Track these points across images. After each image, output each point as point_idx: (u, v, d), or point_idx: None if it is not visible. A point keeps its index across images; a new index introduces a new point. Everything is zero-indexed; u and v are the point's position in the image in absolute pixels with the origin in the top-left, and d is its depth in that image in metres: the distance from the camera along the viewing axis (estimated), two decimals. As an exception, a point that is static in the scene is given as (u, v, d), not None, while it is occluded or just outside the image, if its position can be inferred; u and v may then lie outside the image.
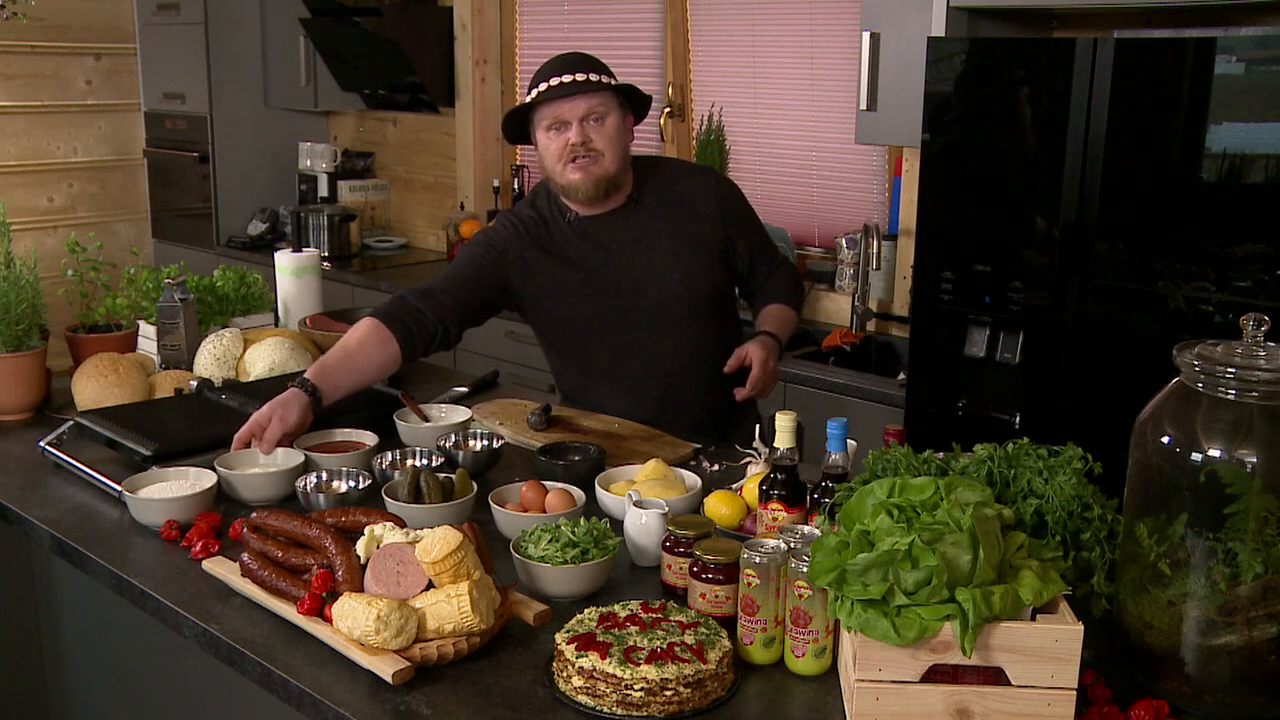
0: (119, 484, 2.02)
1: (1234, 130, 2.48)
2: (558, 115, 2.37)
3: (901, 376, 3.20)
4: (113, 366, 2.45)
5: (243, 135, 5.28)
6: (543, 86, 2.37)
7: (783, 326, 2.59)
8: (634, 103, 2.47)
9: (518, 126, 2.48)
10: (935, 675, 1.38)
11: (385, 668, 1.48)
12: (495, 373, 2.88)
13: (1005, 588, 1.37)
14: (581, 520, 1.78)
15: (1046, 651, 1.36)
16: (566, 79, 2.35)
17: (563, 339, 2.59)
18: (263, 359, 2.60)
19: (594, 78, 2.37)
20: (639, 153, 2.57)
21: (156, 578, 1.80)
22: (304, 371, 2.26)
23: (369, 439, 2.22)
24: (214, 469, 2.05)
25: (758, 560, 1.53)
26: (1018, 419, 2.88)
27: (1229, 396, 1.40)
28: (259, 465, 2.11)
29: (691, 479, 2.06)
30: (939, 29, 3.05)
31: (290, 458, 2.12)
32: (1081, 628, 1.37)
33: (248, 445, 2.13)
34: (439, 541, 1.56)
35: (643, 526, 1.82)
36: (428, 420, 2.36)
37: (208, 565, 1.78)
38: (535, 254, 2.49)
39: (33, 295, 2.50)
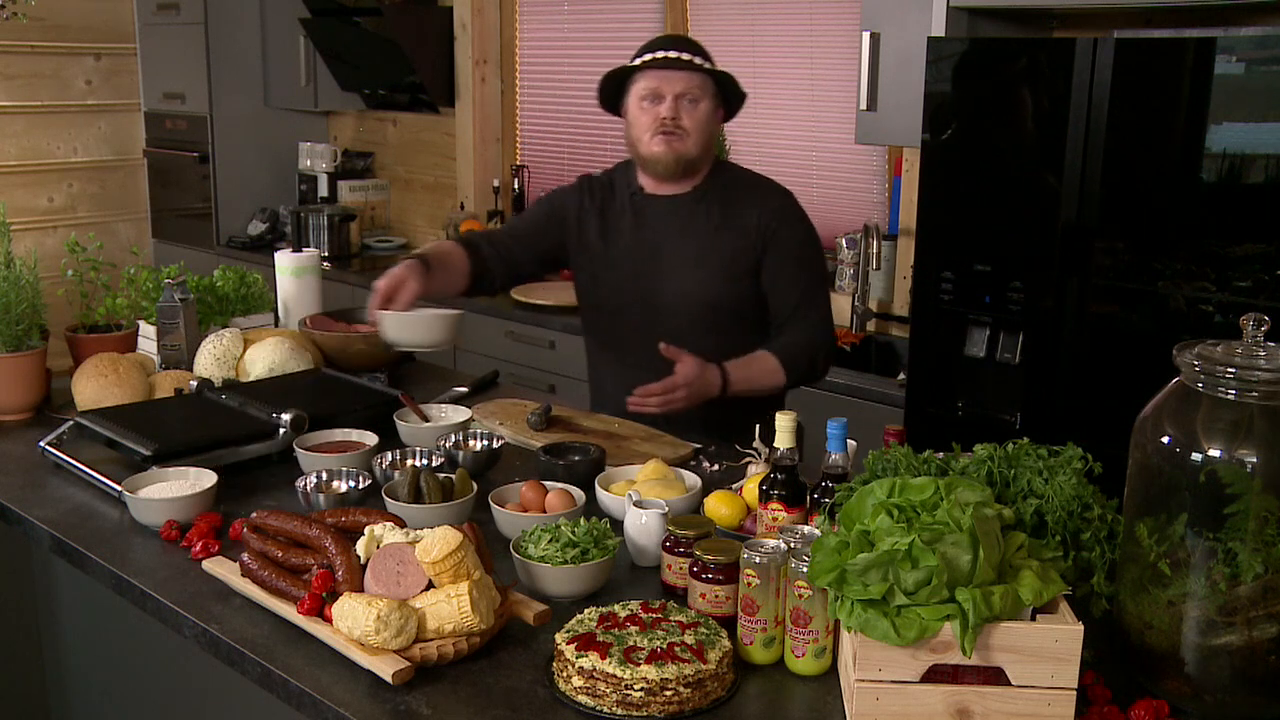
0: (119, 484, 2.02)
1: (1234, 130, 2.48)
2: (656, 87, 2.43)
3: (901, 376, 3.20)
4: (113, 366, 2.45)
5: (243, 135, 5.28)
6: (648, 56, 2.43)
7: (746, 374, 2.42)
8: (728, 98, 2.50)
9: (612, 93, 2.52)
10: (935, 675, 1.38)
11: (385, 668, 1.48)
12: (495, 373, 2.88)
13: (1005, 588, 1.37)
14: (581, 520, 1.78)
15: (1046, 651, 1.36)
16: (673, 54, 2.41)
17: (587, 305, 2.65)
18: (263, 359, 2.60)
19: (699, 60, 2.42)
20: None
21: (156, 578, 1.80)
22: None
23: (369, 439, 2.23)
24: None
25: (758, 560, 1.53)
26: (1018, 419, 2.88)
27: (1229, 396, 1.40)
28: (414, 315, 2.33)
29: (691, 479, 2.06)
30: (939, 29, 3.05)
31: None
32: (1081, 628, 1.37)
33: (386, 306, 2.33)
34: (439, 541, 1.56)
35: (643, 526, 1.82)
36: (428, 420, 2.36)
37: (208, 565, 1.78)
38: (590, 218, 2.59)
39: (33, 295, 2.50)
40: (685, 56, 2.42)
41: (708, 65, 2.44)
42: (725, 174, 2.56)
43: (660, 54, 2.42)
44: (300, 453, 2.15)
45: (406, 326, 2.34)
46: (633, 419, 2.47)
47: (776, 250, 2.48)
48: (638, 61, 2.45)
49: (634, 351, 2.54)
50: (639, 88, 2.45)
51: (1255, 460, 1.37)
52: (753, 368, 2.45)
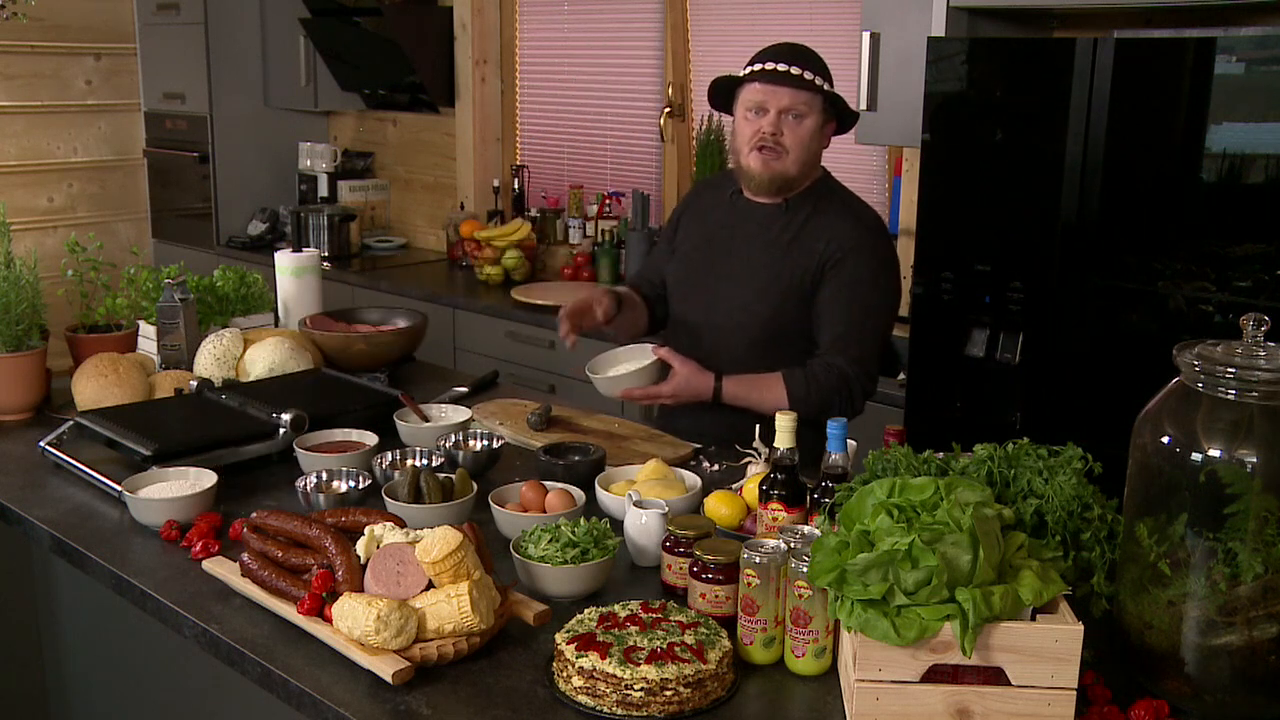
0: (119, 484, 2.02)
1: (1234, 130, 2.48)
2: (761, 101, 2.38)
3: (901, 376, 3.20)
4: (113, 366, 2.45)
5: (243, 135, 5.27)
6: (757, 66, 2.39)
7: (746, 391, 2.38)
8: (840, 113, 2.44)
9: (723, 96, 2.49)
10: (935, 675, 1.38)
11: (385, 668, 1.48)
12: (495, 373, 2.88)
13: (1005, 588, 1.37)
14: (581, 520, 1.78)
15: (1046, 651, 1.36)
16: (781, 67, 2.36)
17: (671, 287, 2.65)
18: (263, 359, 2.60)
19: (809, 75, 2.36)
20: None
21: (156, 578, 1.80)
22: None
23: (369, 439, 2.23)
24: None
25: (758, 560, 1.53)
26: (1018, 419, 2.88)
27: (1229, 396, 1.40)
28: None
29: (691, 479, 2.06)
30: (939, 29, 3.05)
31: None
32: (1081, 628, 1.37)
33: (577, 325, 2.46)
34: (439, 541, 1.56)
35: (643, 526, 1.82)
36: (428, 420, 2.36)
37: (208, 565, 1.78)
38: (693, 215, 2.64)
39: (33, 295, 2.50)
40: (794, 70, 2.34)
41: (816, 81, 2.36)
42: (823, 191, 2.49)
43: (769, 65, 2.36)
44: (300, 453, 2.15)
45: (611, 385, 2.41)
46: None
47: (835, 278, 2.40)
48: (746, 71, 2.40)
49: (688, 340, 2.54)
50: (745, 97, 2.40)
51: (1255, 460, 1.37)
52: (753, 386, 2.40)
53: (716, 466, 2.27)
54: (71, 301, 2.77)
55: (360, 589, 1.59)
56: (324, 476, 2.05)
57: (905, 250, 3.70)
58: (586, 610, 1.56)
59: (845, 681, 1.47)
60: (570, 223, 4.68)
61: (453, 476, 1.97)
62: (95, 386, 2.42)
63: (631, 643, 1.46)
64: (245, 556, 1.71)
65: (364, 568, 1.62)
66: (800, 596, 1.50)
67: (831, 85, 2.41)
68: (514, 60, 4.94)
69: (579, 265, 4.48)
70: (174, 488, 2.01)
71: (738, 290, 2.48)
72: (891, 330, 2.54)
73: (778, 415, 1.74)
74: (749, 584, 1.53)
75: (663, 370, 2.40)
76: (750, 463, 2.16)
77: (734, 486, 2.03)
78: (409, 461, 2.14)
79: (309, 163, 5.31)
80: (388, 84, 5.12)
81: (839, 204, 2.48)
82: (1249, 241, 2.48)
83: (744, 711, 1.46)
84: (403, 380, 2.76)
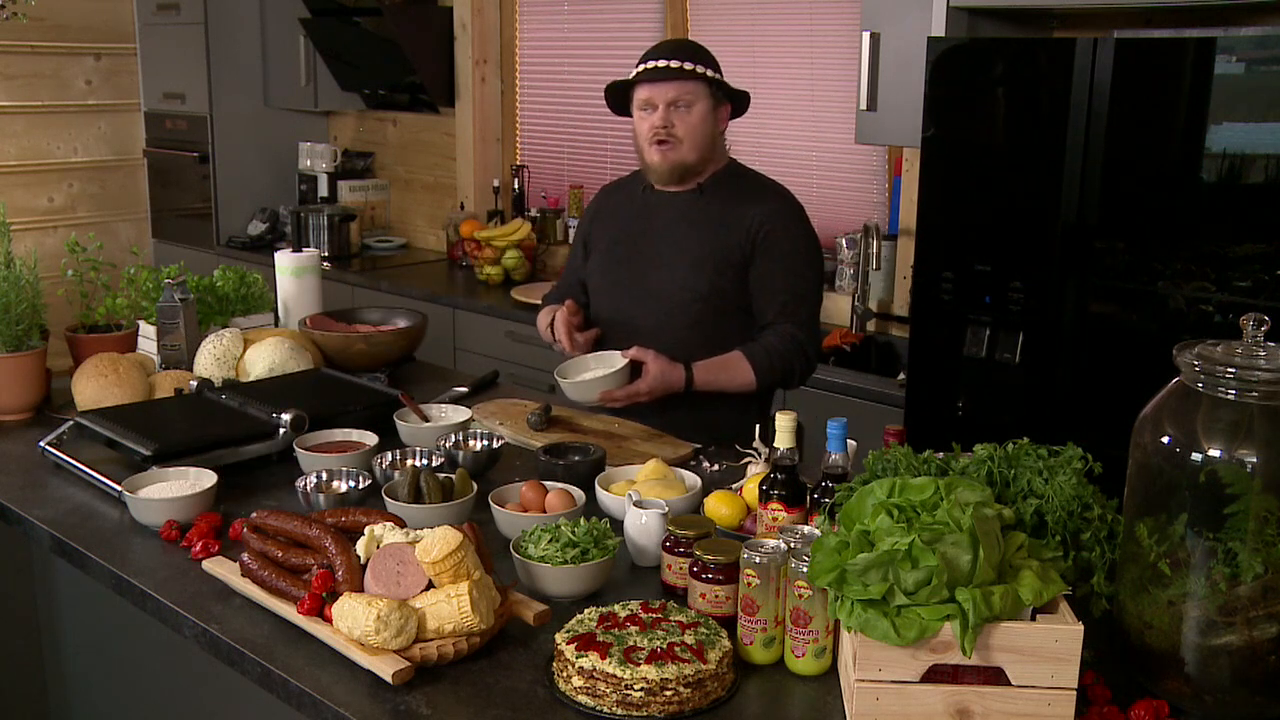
0: (119, 484, 2.02)
1: (1234, 130, 2.48)
2: (649, 97, 2.48)
3: (901, 376, 3.20)
4: (113, 366, 2.45)
5: (243, 135, 5.27)
6: (641, 67, 2.49)
7: (713, 373, 2.45)
8: (731, 96, 2.53)
9: (619, 100, 2.59)
10: (935, 675, 1.38)
11: (385, 668, 1.48)
12: (495, 373, 2.88)
13: (1005, 588, 1.37)
14: (581, 520, 1.78)
15: (1046, 651, 1.36)
16: (662, 63, 2.46)
17: (593, 289, 2.70)
18: (263, 359, 2.60)
19: (689, 66, 2.45)
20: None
21: (156, 578, 1.80)
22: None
23: (369, 439, 2.23)
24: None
25: (758, 560, 1.53)
26: (1018, 419, 2.88)
27: (1229, 396, 1.40)
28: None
29: (691, 479, 2.06)
30: (939, 29, 3.05)
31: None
32: (1081, 628, 1.37)
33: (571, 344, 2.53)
34: (439, 541, 1.56)
35: (643, 526, 1.82)
36: (428, 420, 2.36)
37: (208, 565, 1.78)
38: (604, 216, 2.71)
39: (33, 295, 2.50)
40: (674, 64, 2.45)
41: (698, 70, 2.46)
42: (733, 174, 2.60)
43: (651, 63, 2.47)
44: (300, 453, 2.15)
45: (586, 390, 2.41)
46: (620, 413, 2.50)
47: (768, 251, 2.51)
48: (632, 74, 2.51)
49: (626, 329, 2.58)
50: (637, 97, 2.53)
51: (1255, 460, 1.37)
52: (721, 369, 2.47)
53: (716, 466, 2.27)
54: (71, 301, 2.77)
55: (360, 589, 1.59)
56: (324, 476, 2.05)
57: (905, 250, 3.70)
58: (586, 610, 1.56)
59: (845, 681, 1.47)
60: (570, 223, 4.68)
61: (453, 476, 1.97)
62: (95, 386, 2.42)
63: (631, 643, 1.46)
64: (245, 556, 1.71)
65: (364, 568, 1.62)
66: (800, 596, 1.50)
67: (717, 72, 2.50)
68: (514, 60, 4.94)
69: (579, 265, 4.48)
70: (174, 488, 2.01)
71: (670, 273, 2.54)
72: (821, 296, 2.64)
73: (778, 415, 1.74)
74: (749, 584, 1.53)
75: (633, 372, 2.43)
76: (750, 463, 2.16)
77: (734, 486, 2.03)
78: (409, 461, 2.14)
79: (309, 163, 5.31)
80: (388, 84, 5.12)
81: (755, 184, 2.60)
82: (1249, 241, 2.48)
83: (744, 711, 1.46)
84: (403, 380, 2.76)
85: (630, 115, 2.59)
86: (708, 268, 2.52)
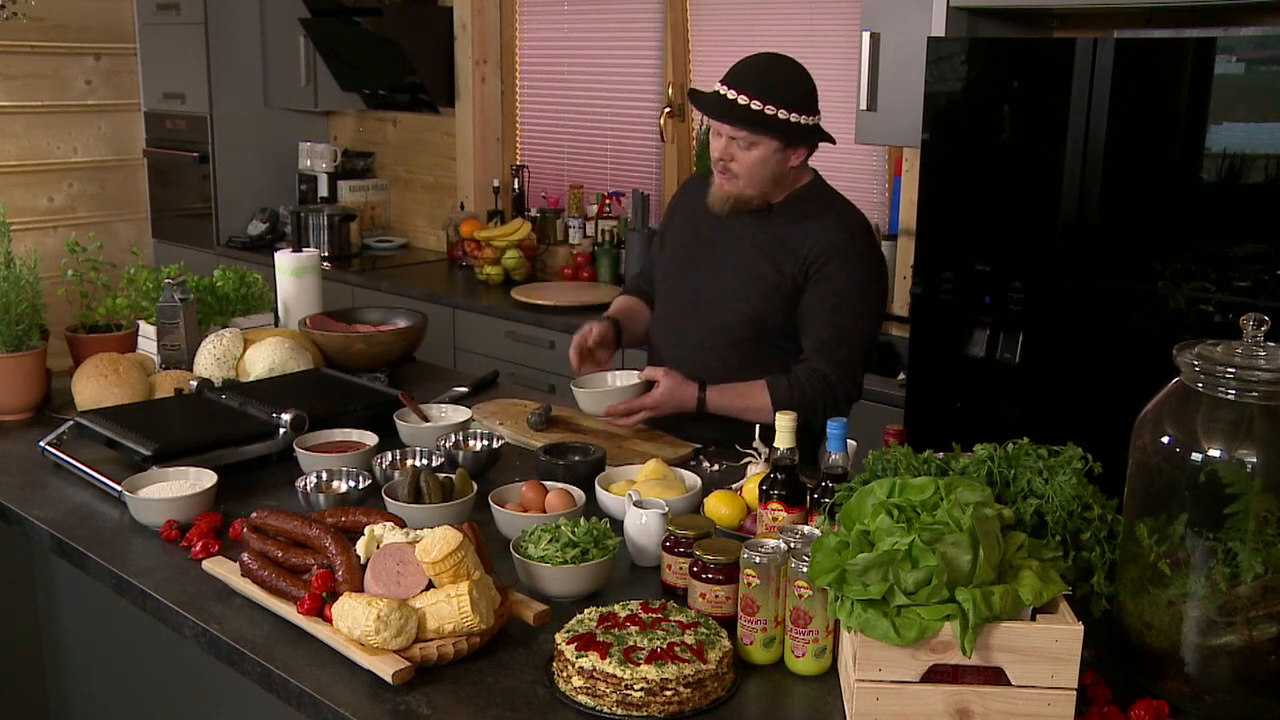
0: (119, 484, 2.02)
1: (1234, 130, 2.48)
2: (716, 125, 2.37)
3: (901, 376, 3.20)
4: (113, 366, 2.45)
5: (243, 135, 5.27)
6: (715, 87, 2.35)
7: (729, 399, 2.37)
8: (805, 138, 2.37)
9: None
10: (935, 675, 1.38)
11: (385, 668, 1.48)
12: (495, 373, 2.88)
13: (1005, 588, 1.37)
14: (581, 520, 1.78)
15: (1046, 651, 1.36)
16: (728, 94, 2.31)
17: (656, 289, 2.66)
18: (263, 359, 2.60)
19: (755, 105, 2.29)
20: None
21: (156, 578, 1.80)
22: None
23: (369, 439, 2.23)
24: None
25: (758, 560, 1.53)
26: (1018, 419, 2.88)
27: (1229, 396, 1.40)
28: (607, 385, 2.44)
29: (691, 479, 2.06)
30: (939, 29, 3.05)
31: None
32: (1081, 628, 1.37)
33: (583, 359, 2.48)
34: (439, 541, 1.56)
35: (643, 526, 1.82)
36: (428, 420, 2.36)
37: (208, 565, 1.78)
38: (681, 210, 2.63)
39: (33, 295, 2.50)
40: (740, 99, 2.29)
41: (766, 111, 2.29)
42: (810, 194, 2.46)
43: (720, 89, 2.33)
44: (300, 453, 2.15)
45: (600, 400, 2.38)
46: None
47: (819, 284, 2.37)
48: (715, 87, 2.36)
49: (673, 336, 2.55)
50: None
51: (1255, 460, 1.37)
52: (737, 395, 2.38)
53: (716, 466, 2.27)
54: (71, 301, 2.77)
55: (360, 589, 1.59)
56: (324, 476, 2.05)
57: (905, 250, 3.70)
58: (586, 610, 1.56)
59: (845, 681, 1.47)
60: (570, 223, 4.68)
61: (453, 476, 1.97)
62: (95, 386, 2.42)
63: (631, 643, 1.46)
64: (245, 556, 1.71)
65: (364, 568, 1.62)
66: (800, 596, 1.50)
67: (798, 111, 2.33)
68: (514, 60, 4.94)
69: (579, 265, 4.48)
70: (174, 488, 2.01)
71: (722, 290, 2.47)
72: (877, 336, 2.52)
73: (778, 415, 1.74)
74: (749, 584, 1.53)
75: (647, 390, 2.39)
76: (750, 463, 2.16)
77: (734, 486, 2.03)
78: (409, 461, 2.14)
79: (309, 163, 5.31)
80: (388, 84, 5.12)
81: (824, 207, 2.44)
82: (1249, 241, 2.48)
83: (744, 711, 1.46)
84: (403, 380, 2.76)
85: None
86: (756, 291, 2.41)
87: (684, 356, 2.48)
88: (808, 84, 2.40)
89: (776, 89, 2.31)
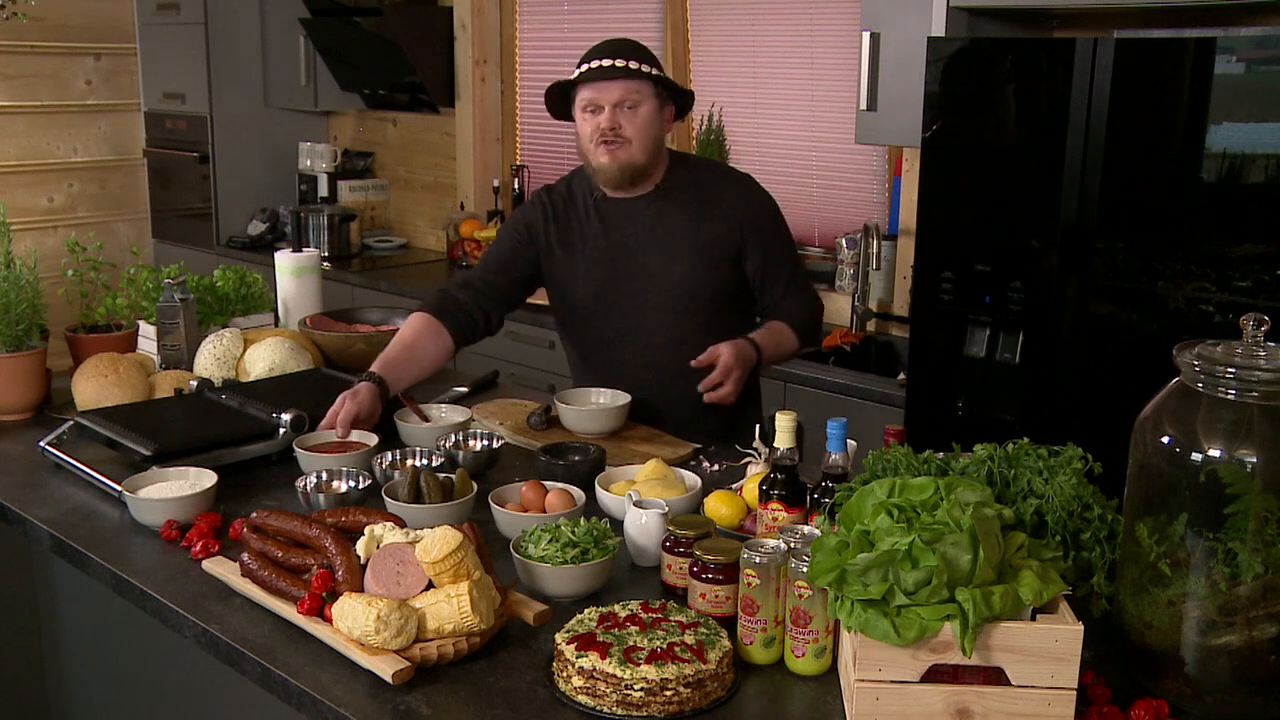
0: (119, 484, 2.02)
1: (1234, 130, 2.48)
2: (593, 98, 2.42)
3: (901, 376, 3.20)
4: (113, 366, 2.45)
5: (243, 135, 5.27)
6: (584, 68, 2.43)
7: (771, 339, 2.50)
8: (676, 96, 2.49)
9: (559, 102, 2.52)
10: (935, 675, 1.38)
11: (385, 668, 1.48)
12: (495, 373, 2.88)
13: (1005, 588, 1.37)
14: (581, 520, 1.78)
15: (1046, 651, 1.36)
16: (606, 63, 2.40)
17: (568, 315, 2.63)
18: (263, 359, 2.60)
19: (634, 65, 2.40)
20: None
21: (156, 578, 1.80)
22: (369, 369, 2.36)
23: (369, 439, 2.22)
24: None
25: (758, 560, 1.53)
26: (1018, 419, 2.88)
27: (1229, 396, 1.40)
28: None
29: (691, 479, 2.06)
30: (939, 29, 3.05)
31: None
32: (1081, 628, 1.37)
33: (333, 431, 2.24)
34: (439, 541, 1.56)
35: (643, 526, 1.82)
36: (428, 420, 2.36)
37: (208, 565, 1.78)
38: (554, 228, 2.57)
39: (33, 295, 2.50)
40: (619, 63, 2.39)
41: (643, 68, 2.40)
42: (685, 167, 2.56)
43: (595, 63, 2.41)
44: (300, 453, 2.15)
45: (585, 420, 2.39)
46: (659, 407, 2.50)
47: (759, 234, 2.51)
48: (575, 74, 2.45)
49: (615, 355, 2.55)
50: (580, 98, 2.44)
51: (1255, 460, 1.37)
52: (776, 341, 2.52)
53: (716, 466, 2.27)
54: (71, 301, 2.77)
55: (360, 589, 1.59)
56: (324, 476, 2.05)
57: (905, 250, 3.70)
58: (586, 610, 1.56)
59: (845, 681, 1.47)
60: (570, 223, 4.67)
61: (453, 476, 1.97)
62: (95, 386, 2.42)
63: (631, 643, 1.46)
64: (245, 556, 1.71)
65: (364, 568, 1.62)
66: (800, 596, 1.50)
67: (660, 71, 2.45)
68: (514, 60, 4.94)
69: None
70: (174, 488, 2.01)
71: (666, 282, 2.48)
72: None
73: (778, 415, 1.74)
74: (749, 584, 1.53)
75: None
76: (750, 463, 2.16)
77: (734, 486, 2.03)
78: (409, 461, 2.14)
79: (309, 163, 5.31)
80: (388, 84, 5.12)
81: (706, 169, 2.61)
82: (1249, 241, 2.48)
83: (744, 711, 1.46)
84: (403, 380, 2.76)
85: (571, 119, 2.50)
86: (703, 266, 2.48)
87: (648, 348, 2.51)
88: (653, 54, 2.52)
89: (641, 53, 2.44)
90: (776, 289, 2.56)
